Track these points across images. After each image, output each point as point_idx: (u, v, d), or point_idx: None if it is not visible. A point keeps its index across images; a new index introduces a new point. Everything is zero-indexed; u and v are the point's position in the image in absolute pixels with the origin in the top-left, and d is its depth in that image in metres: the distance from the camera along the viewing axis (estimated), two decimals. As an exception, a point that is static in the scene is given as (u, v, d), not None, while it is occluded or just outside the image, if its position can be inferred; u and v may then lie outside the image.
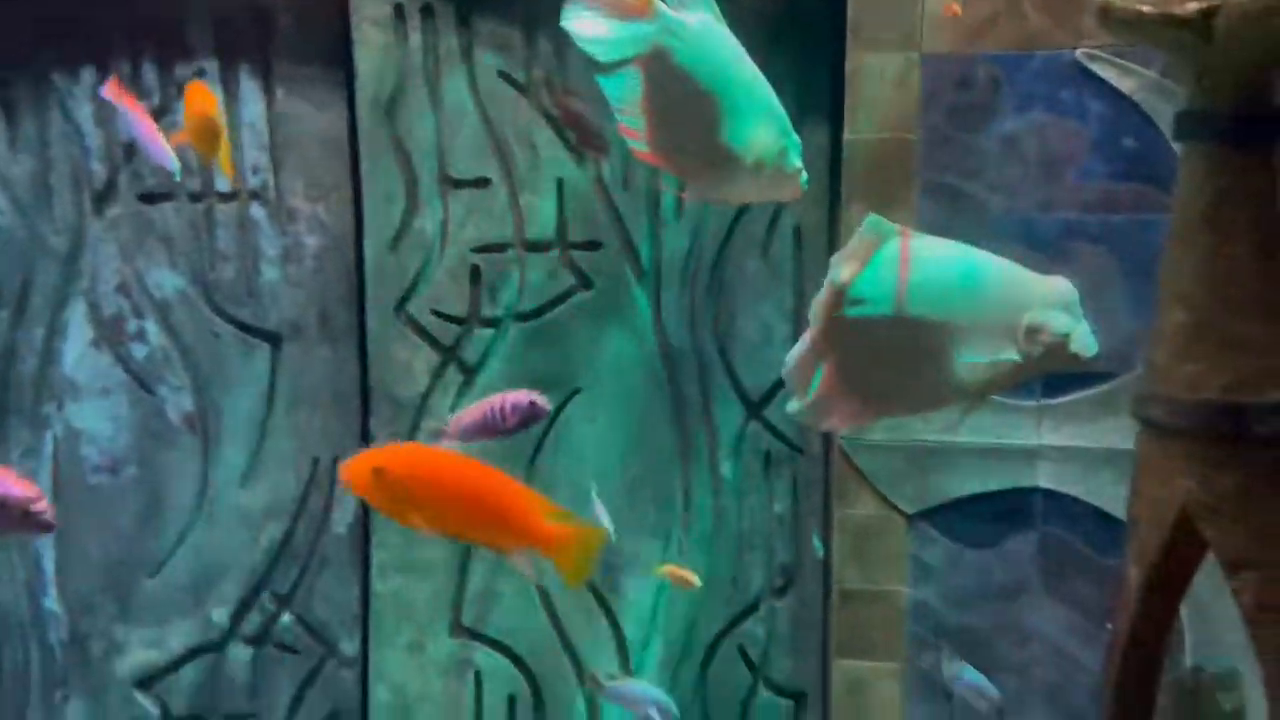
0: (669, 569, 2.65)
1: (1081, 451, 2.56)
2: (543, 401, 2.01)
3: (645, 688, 2.51)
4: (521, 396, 2.01)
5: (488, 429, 2.01)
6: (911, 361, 1.45)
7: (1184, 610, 2.47)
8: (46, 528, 1.51)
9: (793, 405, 1.59)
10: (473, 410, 2.03)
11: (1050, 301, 1.40)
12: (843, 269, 1.43)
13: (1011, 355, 1.40)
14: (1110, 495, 2.41)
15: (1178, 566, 1.67)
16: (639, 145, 1.51)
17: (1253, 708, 1.63)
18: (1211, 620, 2.43)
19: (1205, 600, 2.45)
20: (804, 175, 1.50)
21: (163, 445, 2.73)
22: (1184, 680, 1.68)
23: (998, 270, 1.45)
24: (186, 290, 2.74)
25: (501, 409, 2.00)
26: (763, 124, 1.48)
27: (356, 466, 1.59)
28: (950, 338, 1.41)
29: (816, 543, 2.76)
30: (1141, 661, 1.69)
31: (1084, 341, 1.39)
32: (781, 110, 1.49)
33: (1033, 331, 1.39)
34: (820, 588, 2.82)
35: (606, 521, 2.56)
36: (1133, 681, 1.68)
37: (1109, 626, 1.72)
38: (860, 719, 2.69)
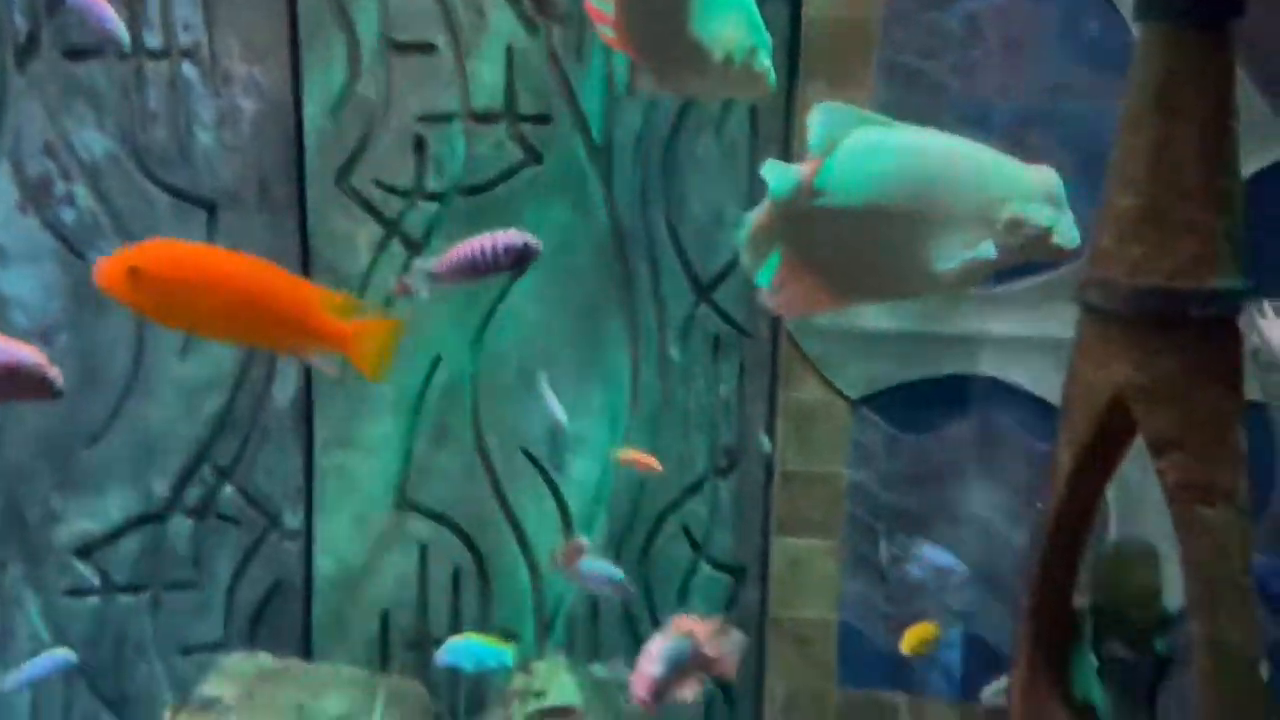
0: (629, 454, 2.65)
1: (1024, 340, 2.60)
2: (535, 243, 1.93)
3: (607, 567, 2.54)
4: (514, 237, 1.92)
5: (477, 268, 1.91)
6: (881, 253, 1.40)
7: (1110, 491, 2.56)
8: (57, 394, 1.43)
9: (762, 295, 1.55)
10: (462, 248, 1.93)
11: (1033, 193, 1.34)
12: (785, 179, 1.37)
13: (989, 248, 1.35)
14: (1050, 383, 2.44)
15: (1107, 449, 1.71)
16: (606, 30, 1.44)
17: (1169, 584, 1.69)
18: (1136, 502, 2.52)
19: (1132, 482, 2.54)
20: (772, 75, 1.44)
21: (96, 313, 2.66)
22: (1105, 556, 1.74)
23: (975, 159, 1.39)
24: (116, 153, 2.63)
25: (493, 248, 1.91)
26: (733, 19, 1.41)
27: (110, 268, 1.45)
28: (923, 230, 1.36)
29: (763, 439, 2.78)
30: (1067, 538, 1.75)
31: (1068, 234, 1.33)
32: (754, 6, 1.43)
33: (1014, 224, 1.35)
34: (762, 469, 2.87)
35: (557, 411, 2.56)
36: (1057, 556, 1.74)
37: (1039, 506, 1.76)
38: (798, 594, 2.77)
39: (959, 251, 1.35)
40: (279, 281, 1.54)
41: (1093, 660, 1.76)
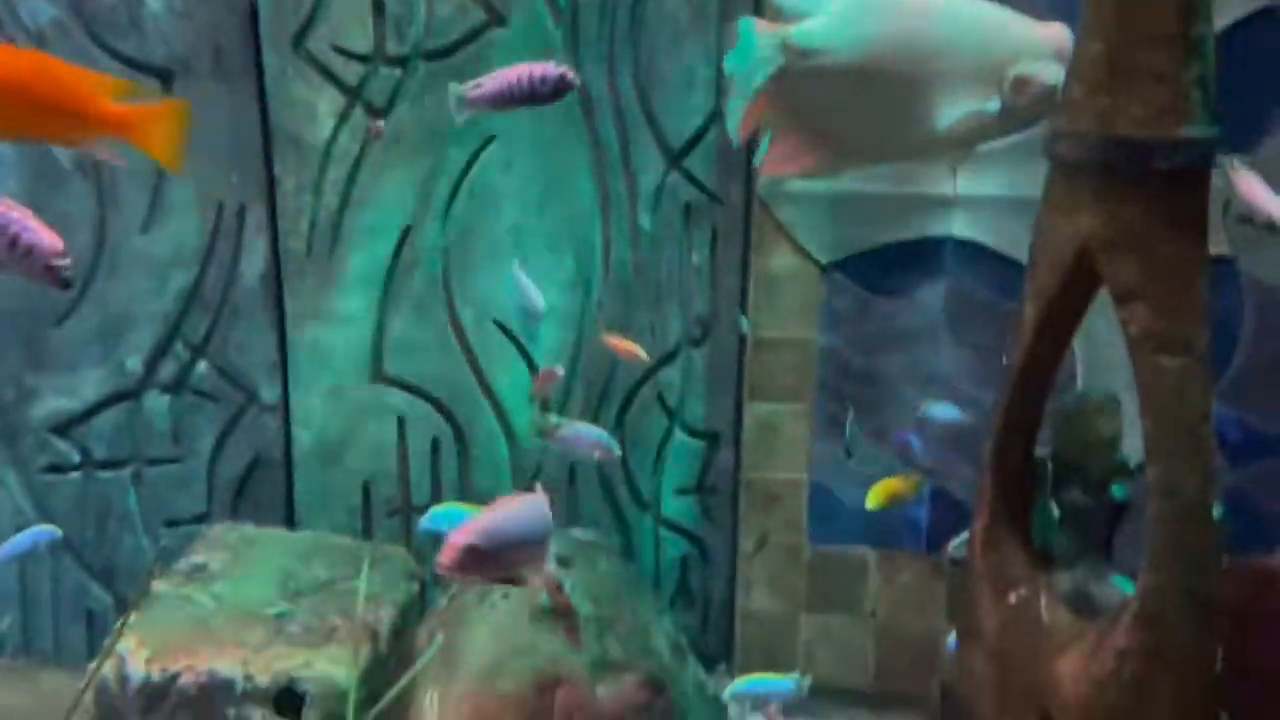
0: (614, 339, 2.65)
1: (995, 200, 2.59)
2: (573, 76, 1.88)
3: (591, 429, 2.56)
4: (551, 68, 1.87)
5: (512, 97, 1.86)
6: (881, 114, 1.36)
7: (1077, 347, 2.60)
8: (65, 285, 1.38)
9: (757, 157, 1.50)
10: (499, 76, 1.87)
11: (1040, 50, 1.29)
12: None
13: (994, 104, 1.31)
14: (1020, 243, 2.45)
15: (1072, 303, 1.73)
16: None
17: (1130, 434, 1.74)
18: (1102, 357, 2.57)
19: (1099, 338, 2.58)
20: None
21: (54, 189, 2.60)
22: (1067, 406, 1.78)
23: (979, 17, 1.33)
24: (62, 19, 2.53)
25: (530, 77, 1.85)
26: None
27: None
28: (926, 89, 1.31)
29: (742, 319, 2.78)
30: (1030, 392, 1.79)
31: None
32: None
33: (1020, 83, 1.30)
34: (735, 337, 2.88)
35: (535, 298, 2.53)
36: (1020, 409, 1.78)
37: (1004, 360, 1.79)
38: (769, 456, 2.83)
39: (962, 111, 1.31)
40: (52, 70, 1.45)
41: (1052, 509, 1.82)
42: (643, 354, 2.59)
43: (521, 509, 1.56)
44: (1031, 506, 1.84)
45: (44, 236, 1.36)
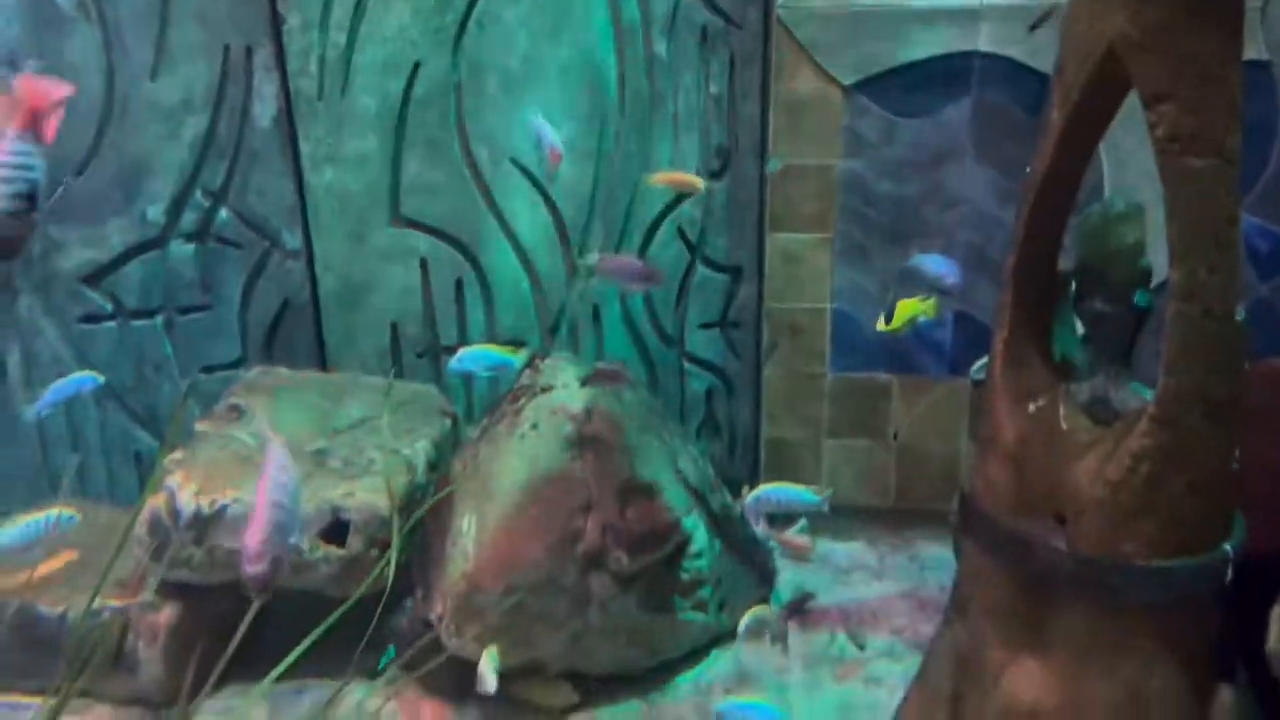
0: (667, 176, 2.60)
1: (1022, 10, 2.49)
2: None
3: (632, 259, 2.54)
4: None
5: None
6: None
7: (1104, 158, 2.55)
8: (47, 137, 1.24)
9: None
10: None
11: None
12: None
13: None
14: (1048, 55, 2.38)
15: (1098, 107, 1.68)
16: None
17: (1152, 240, 1.72)
18: (1126, 174, 2.52)
19: (1125, 149, 2.52)
20: None
21: (60, 35, 2.56)
22: (1091, 214, 1.75)
23: None
24: None
25: None
26: None
27: None
28: None
29: (774, 161, 2.71)
30: (1053, 202, 1.76)
31: None
32: None
33: None
34: (756, 167, 2.84)
35: (555, 143, 2.47)
36: (1043, 220, 1.75)
37: (1027, 170, 1.76)
38: (792, 286, 2.83)
39: None
40: None
41: (1074, 321, 1.82)
42: (699, 183, 2.54)
43: (272, 483, 1.31)
44: (1053, 319, 1.84)
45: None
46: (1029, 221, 1.74)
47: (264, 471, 1.31)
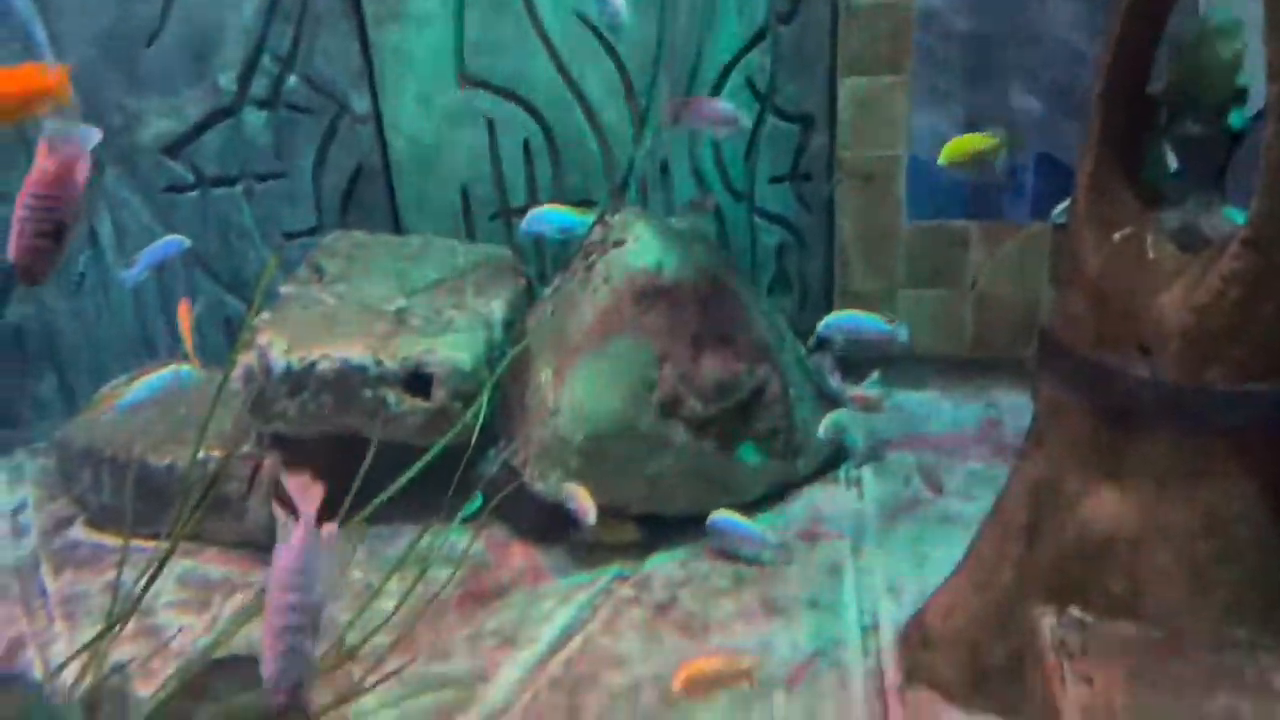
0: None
1: None
2: None
3: (714, 101, 2.48)
4: None
5: None
6: None
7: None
8: (79, 185, 1.27)
9: None
10: None
11: None
12: None
13: None
14: None
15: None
16: None
17: (1248, 65, 1.63)
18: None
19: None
20: None
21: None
22: (1186, 31, 1.66)
23: None
24: None
25: None
26: None
27: None
28: None
29: None
30: (1144, 21, 1.67)
31: None
32: None
33: None
34: (828, 8, 2.74)
35: (621, 8, 2.37)
36: (1131, 40, 1.67)
37: (1116, -11, 1.67)
38: (866, 135, 2.76)
39: None
40: None
41: (1164, 147, 1.75)
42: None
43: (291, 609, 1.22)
44: (1141, 146, 1.77)
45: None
46: (1118, 43, 1.66)
47: (268, 587, 1.22)
